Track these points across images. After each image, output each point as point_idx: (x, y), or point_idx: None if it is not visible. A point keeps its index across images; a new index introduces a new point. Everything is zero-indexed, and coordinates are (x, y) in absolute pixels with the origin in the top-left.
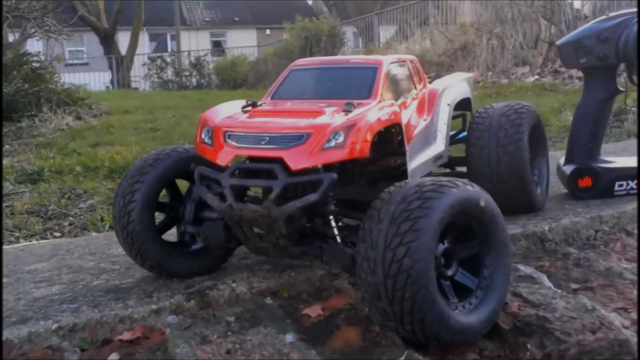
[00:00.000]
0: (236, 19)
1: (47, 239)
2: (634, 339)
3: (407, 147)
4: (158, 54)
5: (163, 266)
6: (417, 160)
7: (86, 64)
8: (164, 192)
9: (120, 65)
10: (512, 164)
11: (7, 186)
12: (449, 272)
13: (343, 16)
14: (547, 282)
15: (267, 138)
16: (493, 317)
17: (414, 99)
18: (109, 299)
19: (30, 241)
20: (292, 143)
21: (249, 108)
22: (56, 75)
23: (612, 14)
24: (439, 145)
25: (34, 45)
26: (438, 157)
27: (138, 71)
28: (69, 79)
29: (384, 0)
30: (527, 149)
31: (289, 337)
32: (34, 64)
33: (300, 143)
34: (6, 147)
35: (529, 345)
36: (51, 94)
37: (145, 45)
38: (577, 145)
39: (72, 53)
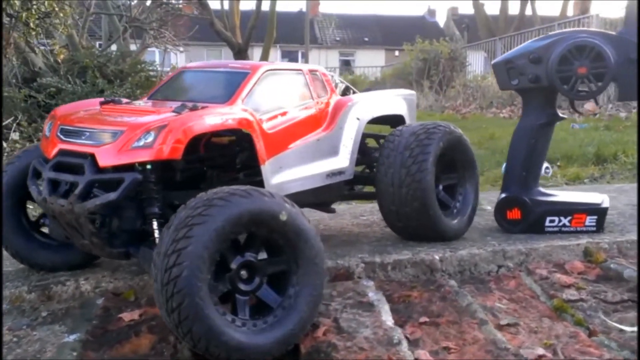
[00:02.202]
0: (366, 39)
1: None
2: None
3: (264, 157)
4: None
5: (23, 256)
6: (290, 173)
7: None
8: None
9: None
10: (413, 185)
11: None
12: (245, 287)
13: (474, 40)
14: (384, 312)
15: (87, 134)
16: (290, 339)
17: (304, 109)
18: None
19: None
20: (106, 140)
21: (108, 105)
22: None
23: (550, 33)
24: (339, 161)
25: (154, 56)
26: (336, 173)
27: None
28: None
29: (518, 24)
30: (431, 171)
31: (72, 337)
32: (150, 72)
33: (113, 140)
34: None
35: None
36: None
37: (277, 61)
38: (511, 173)
39: None
